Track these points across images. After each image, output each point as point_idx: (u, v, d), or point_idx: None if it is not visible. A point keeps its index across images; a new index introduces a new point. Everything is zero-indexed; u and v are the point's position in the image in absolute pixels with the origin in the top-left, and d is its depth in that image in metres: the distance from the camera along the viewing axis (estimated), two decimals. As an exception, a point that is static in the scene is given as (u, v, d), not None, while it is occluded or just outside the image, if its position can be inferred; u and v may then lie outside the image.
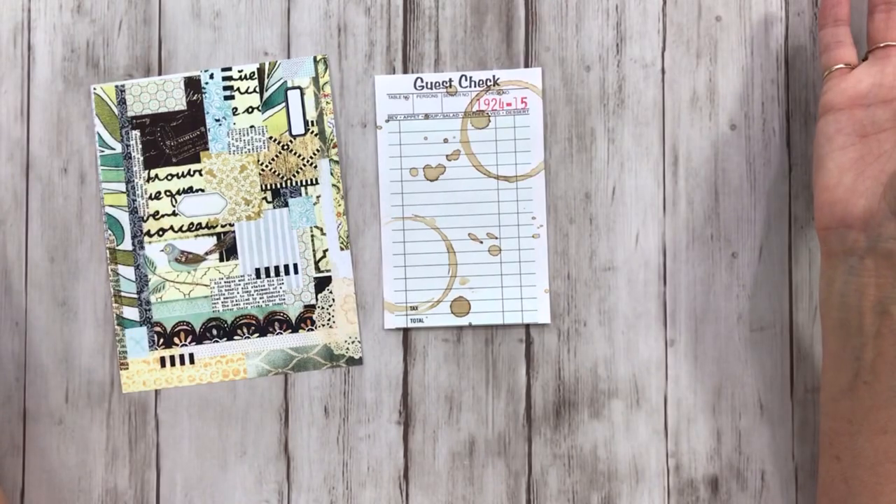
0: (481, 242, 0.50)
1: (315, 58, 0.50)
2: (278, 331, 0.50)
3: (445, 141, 0.50)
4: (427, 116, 0.50)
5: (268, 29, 0.50)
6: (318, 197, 0.50)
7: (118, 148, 0.50)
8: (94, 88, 0.50)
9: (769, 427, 0.49)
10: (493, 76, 0.50)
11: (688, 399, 0.49)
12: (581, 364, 0.50)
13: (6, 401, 0.49)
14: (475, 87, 0.50)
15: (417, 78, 0.50)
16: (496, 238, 0.50)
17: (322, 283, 0.50)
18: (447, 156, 0.50)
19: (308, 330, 0.49)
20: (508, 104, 0.50)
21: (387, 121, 0.50)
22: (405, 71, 0.50)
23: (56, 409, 0.49)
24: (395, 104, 0.50)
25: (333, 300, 0.50)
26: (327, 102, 0.50)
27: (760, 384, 0.49)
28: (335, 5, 0.50)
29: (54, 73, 0.50)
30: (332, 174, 0.50)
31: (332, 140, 0.50)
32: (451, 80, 0.50)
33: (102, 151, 0.50)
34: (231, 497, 0.49)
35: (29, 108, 0.50)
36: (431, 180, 0.50)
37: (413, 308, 0.50)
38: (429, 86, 0.50)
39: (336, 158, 0.50)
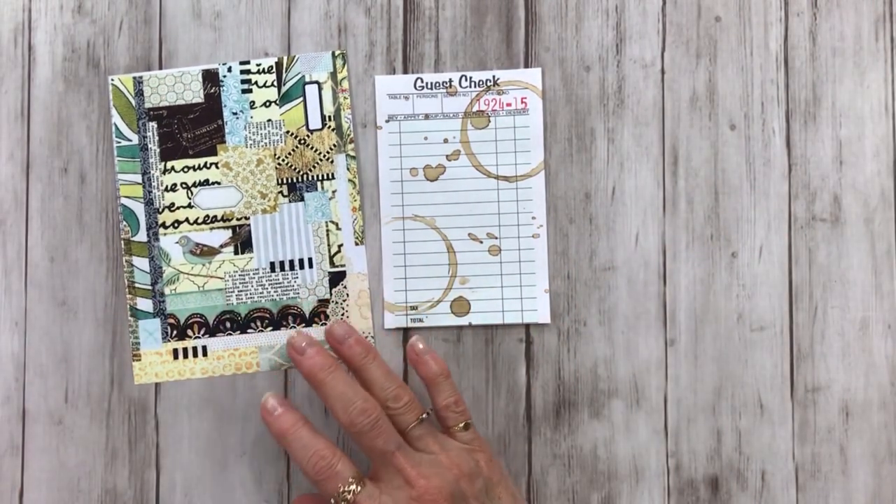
0: (481, 242, 0.50)
1: (333, 53, 0.50)
2: (292, 325, 0.50)
3: (445, 141, 0.50)
4: (427, 116, 0.50)
5: (268, 29, 0.50)
6: (333, 192, 0.50)
7: (135, 139, 0.50)
8: (112, 79, 0.50)
9: (769, 427, 0.49)
10: (493, 76, 0.50)
11: (688, 399, 0.49)
12: (581, 364, 0.50)
13: (6, 401, 0.49)
14: (475, 87, 0.50)
15: (417, 78, 0.50)
16: (496, 238, 0.50)
17: (336, 278, 0.50)
18: (447, 156, 0.50)
19: (322, 324, 0.49)
20: (508, 104, 0.50)
21: (387, 121, 0.50)
22: (405, 71, 0.50)
23: (56, 409, 0.49)
24: (395, 104, 0.50)
25: (347, 295, 0.50)
26: (345, 98, 0.50)
27: (760, 384, 0.49)
28: (335, 5, 0.50)
29: (55, 73, 0.50)
30: (348, 169, 0.50)
31: (348, 135, 0.50)
32: (451, 81, 0.50)
33: (119, 142, 0.50)
34: (231, 497, 0.49)
35: (29, 108, 0.50)
36: (431, 180, 0.50)
37: (413, 308, 0.50)
38: (429, 86, 0.50)
39: (352, 154, 0.50)
